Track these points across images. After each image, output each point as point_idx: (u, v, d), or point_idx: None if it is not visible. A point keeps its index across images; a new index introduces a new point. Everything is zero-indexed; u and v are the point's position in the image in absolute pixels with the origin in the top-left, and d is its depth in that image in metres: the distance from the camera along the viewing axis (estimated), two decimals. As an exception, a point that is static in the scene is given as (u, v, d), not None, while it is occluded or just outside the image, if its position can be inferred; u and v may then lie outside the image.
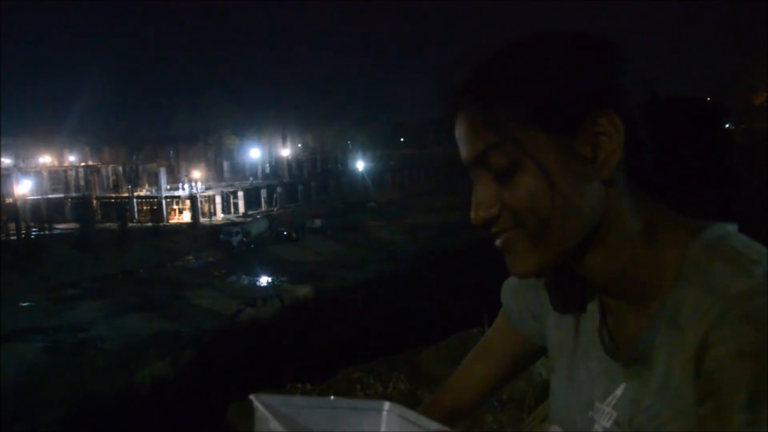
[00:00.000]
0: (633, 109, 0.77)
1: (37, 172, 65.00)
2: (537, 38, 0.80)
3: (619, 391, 0.82)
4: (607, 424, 0.83)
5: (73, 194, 62.00)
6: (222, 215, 58.74)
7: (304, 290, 35.47)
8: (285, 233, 49.29)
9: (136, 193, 60.50)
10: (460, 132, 0.82)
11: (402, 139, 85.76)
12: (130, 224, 53.28)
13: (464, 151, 0.81)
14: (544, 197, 0.75)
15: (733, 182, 0.83)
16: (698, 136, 0.83)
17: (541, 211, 0.76)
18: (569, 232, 0.77)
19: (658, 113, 0.80)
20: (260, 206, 62.62)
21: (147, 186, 65.23)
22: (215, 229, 50.62)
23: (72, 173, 67.30)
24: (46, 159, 72.92)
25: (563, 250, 0.79)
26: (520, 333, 1.06)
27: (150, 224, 54.03)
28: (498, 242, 0.81)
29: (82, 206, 57.38)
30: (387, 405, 0.82)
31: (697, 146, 0.83)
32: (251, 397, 0.73)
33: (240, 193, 62.08)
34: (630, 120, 0.76)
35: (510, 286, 1.08)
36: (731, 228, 0.78)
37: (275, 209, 62.05)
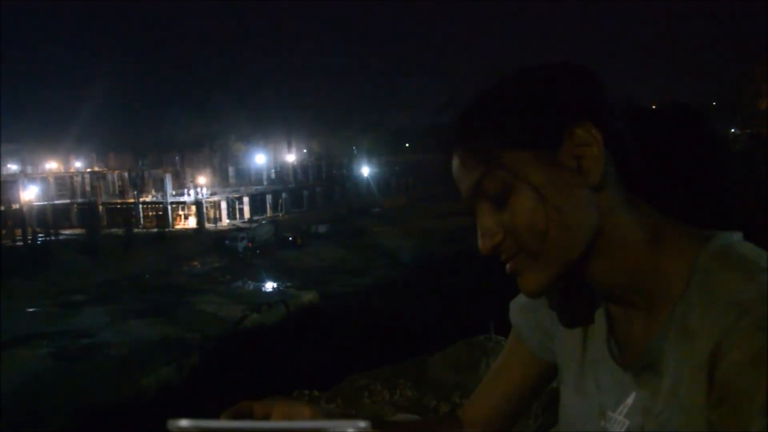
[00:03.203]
0: (611, 120, 0.81)
1: (44, 178, 65.27)
2: (513, 73, 0.84)
3: (629, 400, 0.83)
4: None
5: (79, 200, 62.20)
6: (227, 221, 58.84)
7: (309, 296, 35.43)
8: (290, 239, 49.31)
9: (141, 199, 60.68)
10: (455, 171, 0.86)
11: (407, 145, 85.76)
12: (135, 230, 53.42)
13: (462, 187, 0.85)
14: (539, 212, 0.78)
15: (728, 187, 0.86)
16: (682, 142, 0.86)
17: (539, 227, 0.79)
18: (569, 244, 0.80)
19: (643, 123, 0.85)
20: (266, 212, 62.71)
21: (153, 192, 65.35)
22: (221, 235, 50.71)
23: (78, 179, 67.56)
24: (52, 165, 73.25)
25: (567, 262, 0.81)
26: (532, 351, 1.06)
27: (156, 230, 54.17)
28: (507, 267, 0.84)
29: (88, 212, 57.53)
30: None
31: (683, 152, 0.86)
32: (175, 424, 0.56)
33: (245, 199, 62.18)
34: (611, 129, 0.80)
35: (518, 304, 1.08)
36: (737, 236, 0.80)
37: (281, 215, 62.14)
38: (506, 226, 0.81)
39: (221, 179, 71.42)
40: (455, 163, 0.86)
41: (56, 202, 60.77)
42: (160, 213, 58.10)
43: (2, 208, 52.57)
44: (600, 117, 0.80)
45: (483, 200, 0.83)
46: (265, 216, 61.06)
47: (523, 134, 0.80)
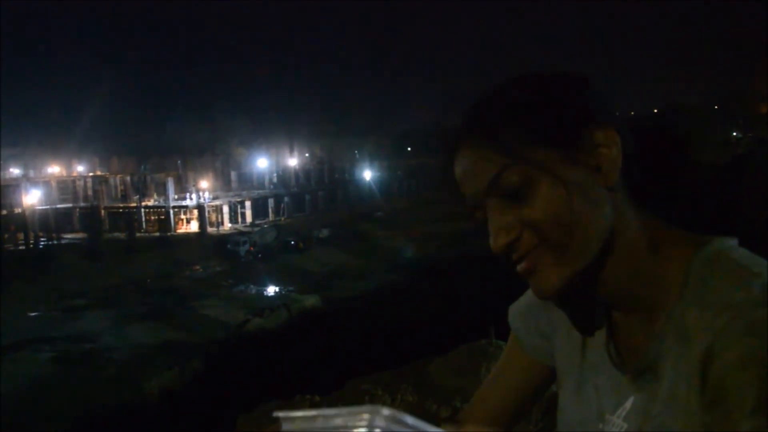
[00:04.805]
0: (622, 125, 0.83)
1: (46, 182, 65.22)
2: (528, 75, 0.86)
3: (628, 404, 0.84)
4: None
5: (82, 204, 62.11)
6: (229, 225, 58.79)
7: (311, 300, 35.41)
8: (292, 243, 49.26)
9: (143, 203, 60.62)
10: (465, 166, 0.85)
11: (409, 149, 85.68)
12: (137, 234, 53.41)
13: (473, 183, 0.84)
14: (564, 205, 0.79)
15: (717, 193, 0.88)
16: (673, 149, 0.88)
17: (564, 219, 0.79)
18: (590, 240, 0.80)
19: (636, 131, 0.86)
20: (268, 216, 62.63)
21: (155, 196, 65.28)
22: (223, 239, 50.64)
23: (80, 183, 67.48)
24: (54, 169, 73.21)
25: (586, 260, 0.81)
26: (531, 355, 1.07)
27: (158, 234, 54.13)
28: (521, 266, 0.83)
29: (90, 216, 57.53)
30: None
31: (675, 159, 0.87)
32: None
33: (247, 203, 62.13)
34: (621, 134, 0.82)
35: (517, 308, 1.09)
36: (732, 242, 0.81)
37: (283, 219, 62.07)
38: (526, 220, 0.80)
39: (223, 183, 71.37)
40: (465, 157, 0.85)
41: (58, 206, 60.68)
42: (162, 217, 58.03)
43: (4, 212, 52.59)
44: (614, 121, 0.83)
45: (497, 196, 0.82)
46: (267, 220, 60.99)
47: (547, 130, 0.81)
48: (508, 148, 0.80)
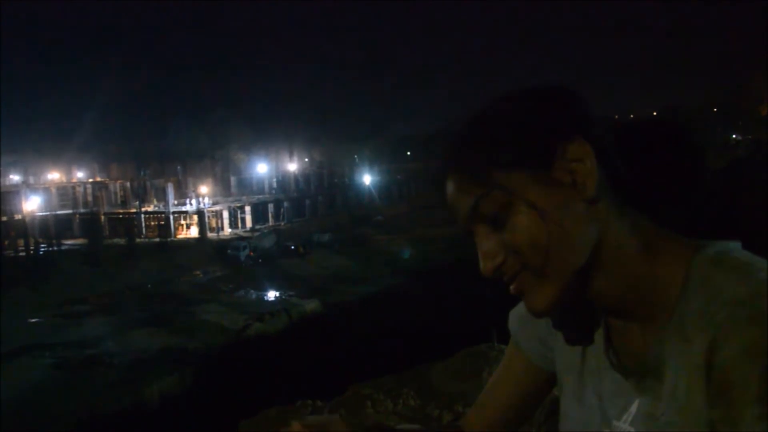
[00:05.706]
0: (598, 134, 0.83)
1: (46, 189, 65.27)
2: (500, 97, 0.86)
3: (633, 408, 0.84)
4: None
5: (82, 210, 62.18)
6: (229, 230, 58.81)
7: (311, 304, 35.43)
8: (292, 247, 49.28)
9: (143, 209, 60.62)
10: (450, 196, 0.87)
11: (408, 153, 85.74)
12: (137, 240, 53.40)
13: (458, 212, 0.86)
14: (539, 229, 0.79)
15: (701, 198, 0.86)
16: (661, 156, 0.87)
17: (540, 242, 0.79)
18: (571, 257, 0.81)
19: (624, 136, 0.86)
20: (267, 221, 62.65)
21: (155, 201, 65.33)
22: (223, 244, 50.69)
23: (80, 189, 67.57)
24: (54, 175, 73.23)
25: (571, 277, 0.81)
26: (532, 360, 1.07)
27: (158, 239, 54.12)
28: (511, 288, 0.85)
29: (90, 222, 57.55)
30: None
31: (663, 166, 0.87)
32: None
33: (247, 208, 62.14)
34: (598, 143, 0.81)
35: (516, 314, 1.09)
36: (734, 244, 0.82)
37: (282, 224, 62.06)
38: (507, 245, 0.81)
39: (223, 189, 71.36)
40: (449, 188, 0.86)
41: (58, 212, 60.74)
42: (162, 223, 58.02)
43: (5, 218, 52.64)
44: (587, 132, 0.81)
45: (481, 223, 0.84)
46: (266, 225, 60.99)
47: (517, 154, 0.81)
48: (483, 176, 0.81)
